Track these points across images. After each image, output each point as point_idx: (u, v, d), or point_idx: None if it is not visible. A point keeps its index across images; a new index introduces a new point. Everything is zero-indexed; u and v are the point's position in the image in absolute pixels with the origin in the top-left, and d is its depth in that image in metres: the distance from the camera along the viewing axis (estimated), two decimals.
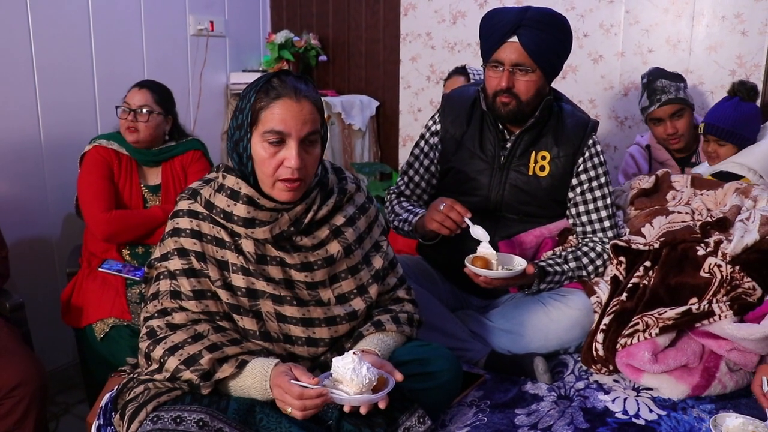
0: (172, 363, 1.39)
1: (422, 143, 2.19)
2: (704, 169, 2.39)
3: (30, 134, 2.68)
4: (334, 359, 1.35)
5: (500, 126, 2.08)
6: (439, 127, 2.16)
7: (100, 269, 2.38)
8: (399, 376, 1.39)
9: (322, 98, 3.35)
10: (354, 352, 1.34)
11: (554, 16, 1.96)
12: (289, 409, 1.32)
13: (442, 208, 1.86)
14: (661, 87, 2.52)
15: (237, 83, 3.60)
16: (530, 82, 1.96)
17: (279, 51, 3.64)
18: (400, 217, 2.09)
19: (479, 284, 1.84)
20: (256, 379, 1.39)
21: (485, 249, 1.82)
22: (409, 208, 2.10)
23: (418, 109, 3.61)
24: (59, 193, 2.76)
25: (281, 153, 1.43)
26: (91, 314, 2.27)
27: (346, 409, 1.35)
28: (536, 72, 1.95)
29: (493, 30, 1.96)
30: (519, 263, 1.85)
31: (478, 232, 1.83)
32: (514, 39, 1.92)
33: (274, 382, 1.36)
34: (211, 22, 3.45)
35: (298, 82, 1.45)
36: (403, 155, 3.70)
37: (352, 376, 1.30)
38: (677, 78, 2.56)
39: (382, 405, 1.34)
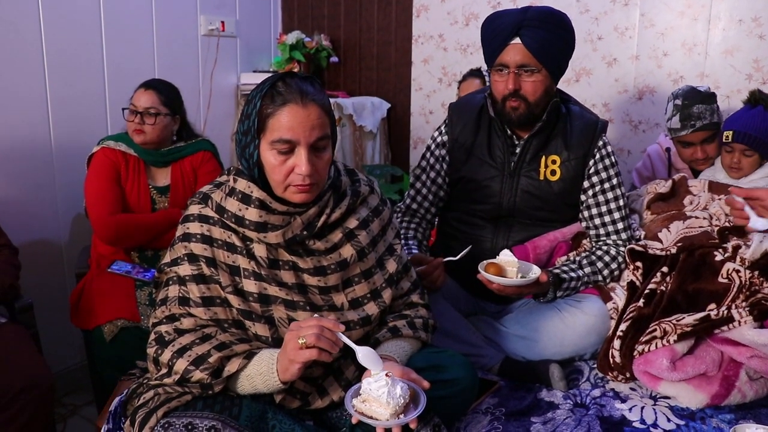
0: (181, 365, 1.36)
1: (428, 155, 2.20)
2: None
3: (40, 133, 2.66)
4: (364, 380, 1.31)
5: (508, 132, 2.06)
6: (446, 138, 2.15)
7: (109, 270, 2.36)
8: (425, 384, 1.36)
9: (333, 100, 3.34)
10: (387, 374, 1.30)
11: (555, 14, 1.95)
12: (302, 340, 1.27)
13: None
14: (697, 113, 2.33)
15: (248, 84, 3.58)
16: (537, 83, 1.95)
17: (290, 52, 3.63)
18: None
19: (492, 291, 1.83)
20: (262, 364, 1.35)
21: (507, 257, 1.80)
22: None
23: (430, 112, 3.59)
24: (68, 192, 2.74)
25: (291, 160, 1.40)
26: (100, 316, 2.24)
27: (378, 431, 1.30)
28: (542, 72, 1.94)
29: (495, 33, 1.95)
30: (535, 272, 1.83)
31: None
32: (517, 40, 1.91)
33: (286, 337, 1.32)
34: (222, 23, 3.44)
35: (304, 84, 1.42)
36: (414, 157, 3.67)
37: (388, 399, 1.26)
38: (711, 99, 2.37)
39: (413, 425, 1.31)
